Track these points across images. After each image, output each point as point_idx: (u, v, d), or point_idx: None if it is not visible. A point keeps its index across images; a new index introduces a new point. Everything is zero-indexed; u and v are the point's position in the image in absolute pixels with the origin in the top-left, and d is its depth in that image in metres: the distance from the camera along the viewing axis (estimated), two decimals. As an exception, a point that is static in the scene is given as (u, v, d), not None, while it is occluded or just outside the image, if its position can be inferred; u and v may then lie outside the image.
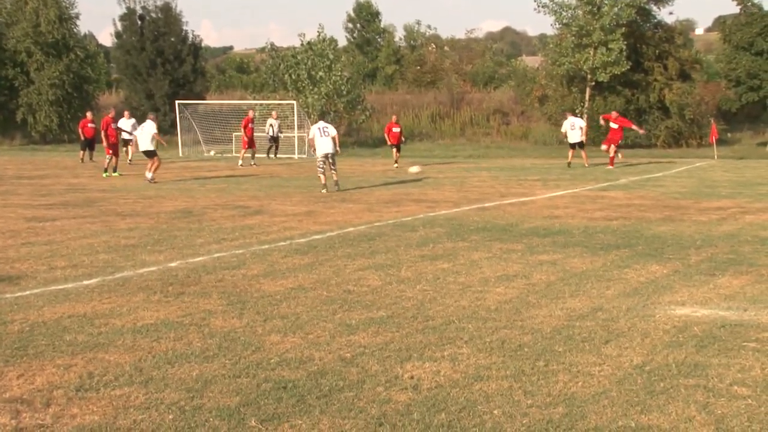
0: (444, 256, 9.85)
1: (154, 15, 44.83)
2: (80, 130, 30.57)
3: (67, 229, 12.07)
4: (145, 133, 21.54)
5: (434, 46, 63.10)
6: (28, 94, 43.83)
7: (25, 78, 44.14)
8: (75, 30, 46.36)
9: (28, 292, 7.79)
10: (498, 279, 8.48)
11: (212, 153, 36.37)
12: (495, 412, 4.75)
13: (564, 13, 37.99)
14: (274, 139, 32.51)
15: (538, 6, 38.14)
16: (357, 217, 13.63)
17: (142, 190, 18.69)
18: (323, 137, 18.22)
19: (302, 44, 39.84)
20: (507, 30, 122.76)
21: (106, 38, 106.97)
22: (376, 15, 64.50)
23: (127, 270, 8.94)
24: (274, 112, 33.53)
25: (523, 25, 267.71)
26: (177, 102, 38.03)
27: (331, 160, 18.28)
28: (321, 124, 18.60)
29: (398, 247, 10.51)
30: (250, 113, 29.65)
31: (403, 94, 51.13)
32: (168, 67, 43.48)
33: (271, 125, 32.12)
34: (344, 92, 38.44)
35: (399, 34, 67.92)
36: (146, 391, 5.07)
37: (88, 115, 30.92)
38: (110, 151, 23.78)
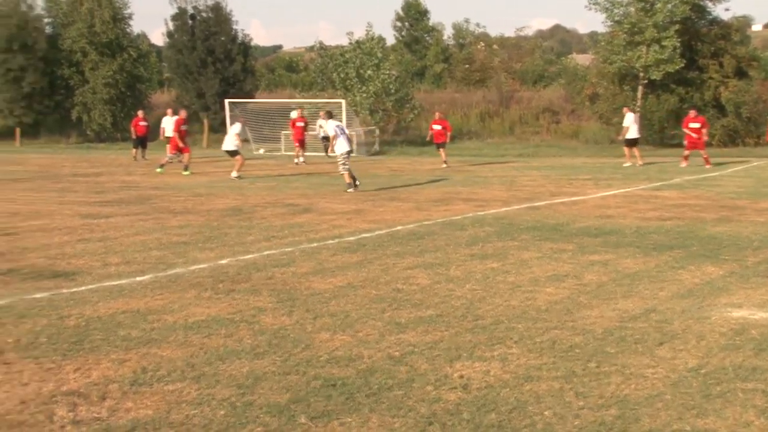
0: (493, 255, 9.78)
1: (204, 15, 45.27)
2: (132, 129, 31.03)
3: (121, 226, 12.27)
4: (230, 134, 22.79)
5: (483, 44, 62.71)
6: (83, 93, 44.64)
7: (80, 77, 44.96)
8: (128, 30, 47.11)
9: (83, 288, 7.93)
10: (548, 279, 8.39)
11: (261, 151, 36.63)
12: (546, 413, 4.70)
13: (616, 11, 37.42)
14: (326, 138, 32.52)
15: (590, 3, 37.64)
16: (406, 215, 13.62)
17: (194, 187, 18.91)
18: (342, 135, 18.18)
19: (351, 43, 39.93)
20: (557, 28, 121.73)
21: (158, 38, 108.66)
22: (424, 13, 64.38)
23: (178, 267, 9.05)
24: (322, 112, 33.59)
25: (574, 22, 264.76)
26: (227, 101, 38.39)
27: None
28: (336, 122, 18.52)
29: (447, 245, 10.47)
30: (293, 114, 30.26)
31: (451, 93, 50.93)
32: (218, 66, 43.89)
33: (320, 125, 32.22)
34: (392, 91, 38.41)
35: (447, 33, 67.74)
36: (198, 386, 5.13)
37: (140, 113, 31.42)
38: (174, 150, 24.01)
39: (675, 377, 5.32)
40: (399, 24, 64.96)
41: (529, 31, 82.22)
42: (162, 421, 4.58)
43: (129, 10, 46.77)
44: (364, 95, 37.64)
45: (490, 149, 37.38)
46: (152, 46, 64.28)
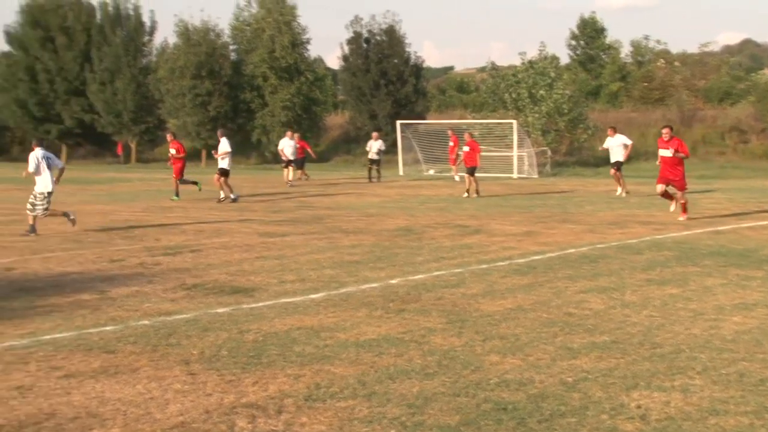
0: (673, 280, 9.35)
1: (379, 38, 46.39)
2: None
3: (296, 245, 12.69)
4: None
5: (663, 61, 60.47)
6: (263, 116, 46.74)
7: (261, 101, 47.11)
8: (306, 54, 48.96)
9: (261, 304, 8.24)
10: (735, 307, 7.91)
11: (431, 172, 36.91)
12: (732, 451, 4.41)
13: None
14: (374, 161, 31.57)
15: (781, 15, 35.46)
16: (578, 238, 13.29)
17: (365, 208, 19.30)
18: (46, 171, 14.50)
19: (523, 63, 39.63)
20: (747, 42, 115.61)
21: (333, 61, 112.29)
22: (601, 31, 62.88)
23: (350, 285, 9.23)
24: (374, 133, 32.97)
25: (766, 36, 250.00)
26: (398, 122, 39.04)
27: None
28: (44, 151, 14.61)
29: (622, 270, 10.12)
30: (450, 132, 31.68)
31: (627, 112, 49.42)
32: (391, 88, 44.78)
33: (370, 146, 31.63)
34: (565, 111, 37.74)
35: (625, 50, 65.75)
36: (369, 404, 5.18)
37: (296, 135, 31.21)
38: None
39: None
40: (573, 42, 63.78)
41: (715, 47, 78.53)
42: (334, 437, 4.66)
43: (307, 36, 48.65)
44: (536, 115, 37.19)
45: (669, 170, 35.87)
46: (328, 69, 66.51)
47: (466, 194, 22.85)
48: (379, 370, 5.91)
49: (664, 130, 16.28)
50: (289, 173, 28.91)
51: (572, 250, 11.84)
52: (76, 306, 8.19)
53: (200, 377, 5.78)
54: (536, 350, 6.43)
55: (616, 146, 23.10)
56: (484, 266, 10.50)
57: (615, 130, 23.65)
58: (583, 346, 6.52)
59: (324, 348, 6.54)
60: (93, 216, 17.42)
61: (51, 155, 14.81)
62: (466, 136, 24.57)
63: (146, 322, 7.46)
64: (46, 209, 14.46)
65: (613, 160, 23.22)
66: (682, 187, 15.96)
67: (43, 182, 14.45)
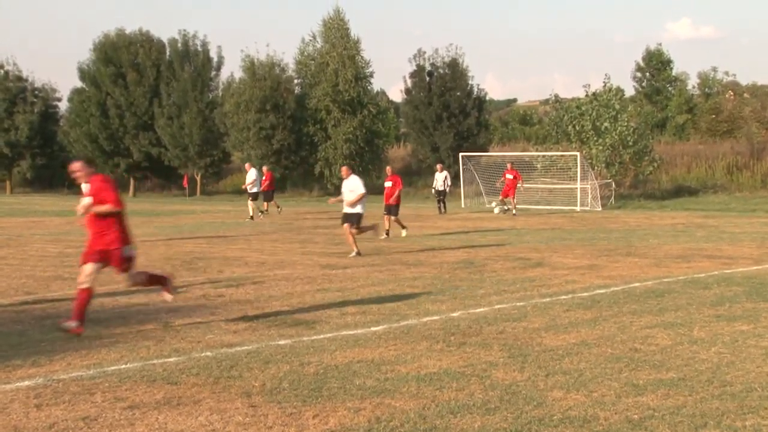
0: (743, 317, 9.09)
1: (441, 71, 46.61)
2: (265, 182, 29.59)
3: (357, 277, 12.71)
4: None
5: (732, 93, 59.40)
6: (326, 149, 47.24)
7: (324, 134, 47.66)
8: (369, 88, 49.44)
9: (322, 336, 8.26)
10: (808, 345, 7.65)
11: (494, 205, 36.73)
12: (807, 495, 4.24)
13: None
14: (440, 193, 31.43)
15: None
16: (643, 272, 13.04)
17: (425, 240, 19.27)
18: None
19: (587, 95, 39.35)
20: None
21: (395, 94, 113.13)
22: (667, 63, 62.19)
23: (411, 318, 9.20)
24: (439, 165, 32.90)
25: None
26: (461, 154, 39.05)
27: None
28: None
29: (690, 305, 9.88)
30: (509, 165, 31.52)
31: (695, 144, 48.60)
32: (453, 121, 44.88)
33: (436, 179, 31.56)
34: (630, 143, 37.26)
35: (692, 82, 64.83)
36: (429, 439, 5.13)
37: (265, 168, 30.22)
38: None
39: None
40: (639, 74, 63.19)
41: (790, 77, 76.90)
42: (393, 472, 4.61)
43: (370, 69, 49.15)
44: (600, 148, 36.81)
45: (738, 203, 35.14)
46: (390, 102, 67.03)
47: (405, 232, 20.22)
48: (440, 405, 5.86)
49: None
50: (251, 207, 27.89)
51: (637, 284, 11.62)
52: (140, 337, 8.33)
53: (261, 410, 5.80)
54: (600, 386, 6.30)
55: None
56: (547, 300, 10.37)
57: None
58: (650, 383, 6.37)
59: (385, 381, 6.51)
60: (158, 248, 17.75)
61: None
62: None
63: (209, 353, 7.54)
64: None
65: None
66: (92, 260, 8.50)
67: None
